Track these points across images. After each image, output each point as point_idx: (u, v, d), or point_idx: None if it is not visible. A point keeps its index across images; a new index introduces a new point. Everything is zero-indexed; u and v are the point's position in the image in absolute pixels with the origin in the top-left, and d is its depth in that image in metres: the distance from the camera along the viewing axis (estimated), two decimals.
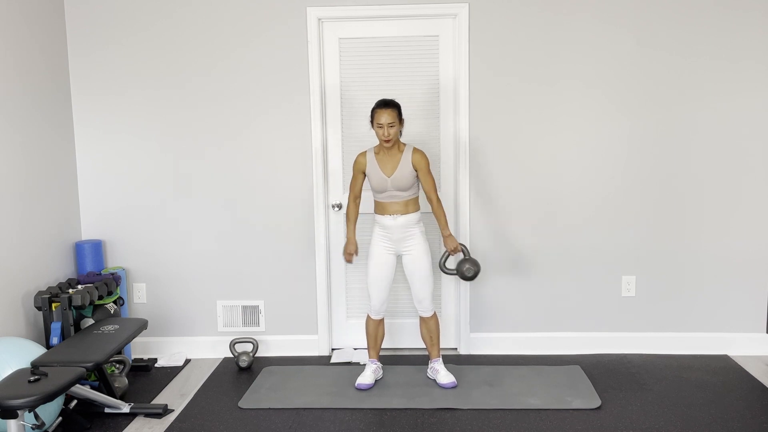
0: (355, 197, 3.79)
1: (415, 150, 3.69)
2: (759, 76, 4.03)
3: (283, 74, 4.13)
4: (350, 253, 3.83)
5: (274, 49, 4.11)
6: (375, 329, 3.85)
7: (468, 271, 3.78)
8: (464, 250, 3.84)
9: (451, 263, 4.09)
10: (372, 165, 3.68)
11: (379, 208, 3.73)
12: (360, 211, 4.18)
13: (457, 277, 4.27)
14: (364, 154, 3.73)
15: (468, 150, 4.13)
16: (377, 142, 3.78)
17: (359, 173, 3.74)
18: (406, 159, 3.66)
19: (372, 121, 3.64)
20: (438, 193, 3.78)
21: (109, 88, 4.17)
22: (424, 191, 3.72)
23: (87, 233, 4.29)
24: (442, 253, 3.88)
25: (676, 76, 4.05)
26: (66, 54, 4.14)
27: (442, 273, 4.17)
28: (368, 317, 3.86)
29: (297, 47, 4.10)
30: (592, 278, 4.24)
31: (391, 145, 3.63)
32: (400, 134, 3.69)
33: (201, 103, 4.17)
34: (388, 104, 3.61)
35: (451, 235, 3.77)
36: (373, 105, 3.68)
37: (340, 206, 4.26)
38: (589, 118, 4.11)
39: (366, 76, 4.15)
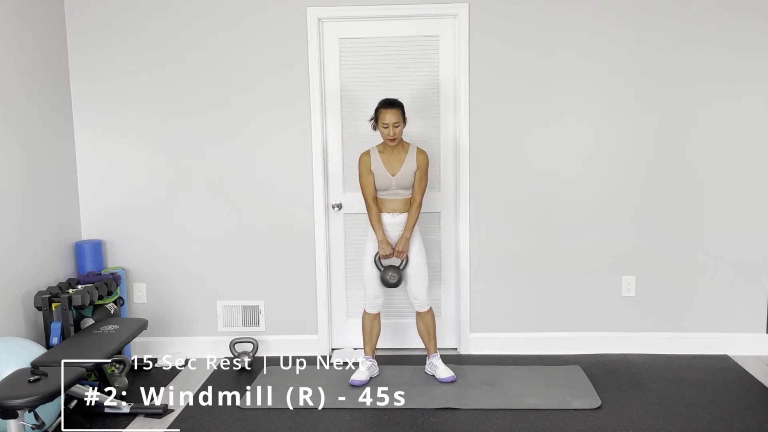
0: (373, 198, 3.75)
1: (419, 150, 3.74)
2: (759, 77, 4.03)
3: (283, 74, 4.12)
4: (388, 254, 3.74)
5: (274, 49, 4.11)
6: (371, 324, 3.88)
7: (392, 278, 3.73)
8: (405, 260, 3.78)
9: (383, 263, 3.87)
10: (377, 163, 3.71)
11: (379, 205, 3.76)
12: (354, 210, 4.23)
13: (457, 276, 4.27)
14: (367, 153, 3.75)
15: (468, 149, 4.13)
16: (378, 142, 3.79)
17: (368, 172, 3.73)
18: (411, 158, 3.71)
19: (376, 121, 3.68)
20: (422, 199, 3.79)
21: (109, 88, 4.17)
22: (414, 190, 3.75)
23: (87, 233, 4.29)
24: (377, 254, 3.79)
25: (675, 76, 4.05)
26: (66, 54, 4.14)
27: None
28: (364, 312, 3.89)
29: (297, 47, 4.10)
30: (592, 278, 4.23)
31: (395, 144, 3.67)
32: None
33: (201, 102, 4.17)
34: (392, 104, 3.65)
35: (409, 239, 3.75)
36: (376, 105, 3.69)
37: (340, 206, 4.26)
38: (589, 117, 4.11)
39: (366, 76, 4.15)
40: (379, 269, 3.79)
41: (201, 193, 4.24)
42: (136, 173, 4.24)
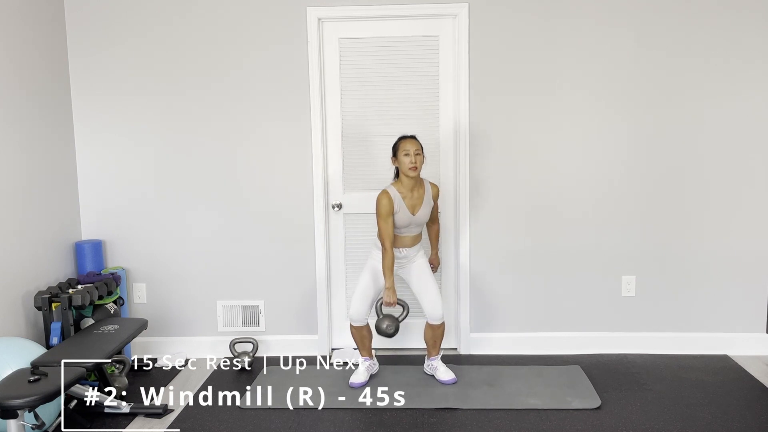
0: (391, 243, 3.62)
1: (432, 184, 3.77)
2: (760, 76, 4.03)
3: (283, 74, 4.12)
4: (392, 302, 3.66)
5: (274, 49, 4.11)
6: (359, 333, 3.85)
7: (388, 328, 3.76)
8: (405, 312, 3.94)
9: (384, 310, 3.94)
10: (399, 205, 3.63)
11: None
12: (354, 210, 4.25)
13: (457, 276, 4.27)
14: (387, 195, 3.60)
15: (468, 150, 4.13)
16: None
17: (389, 215, 3.60)
18: (429, 196, 3.72)
19: (395, 154, 3.63)
20: None
21: (109, 88, 4.17)
22: (432, 219, 3.86)
23: (87, 233, 4.29)
24: (380, 299, 3.81)
25: (676, 76, 4.05)
26: (66, 54, 4.14)
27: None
28: (350, 325, 3.86)
29: (297, 47, 4.10)
30: (592, 278, 4.23)
31: (416, 174, 3.59)
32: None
33: (201, 103, 4.17)
34: (412, 136, 3.65)
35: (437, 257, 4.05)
36: (396, 139, 3.67)
37: (340, 206, 4.26)
38: (589, 118, 4.11)
39: (366, 76, 4.15)
40: (378, 315, 3.80)
41: (201, 193, 4.24)
42: (136, 173, 4.24)
